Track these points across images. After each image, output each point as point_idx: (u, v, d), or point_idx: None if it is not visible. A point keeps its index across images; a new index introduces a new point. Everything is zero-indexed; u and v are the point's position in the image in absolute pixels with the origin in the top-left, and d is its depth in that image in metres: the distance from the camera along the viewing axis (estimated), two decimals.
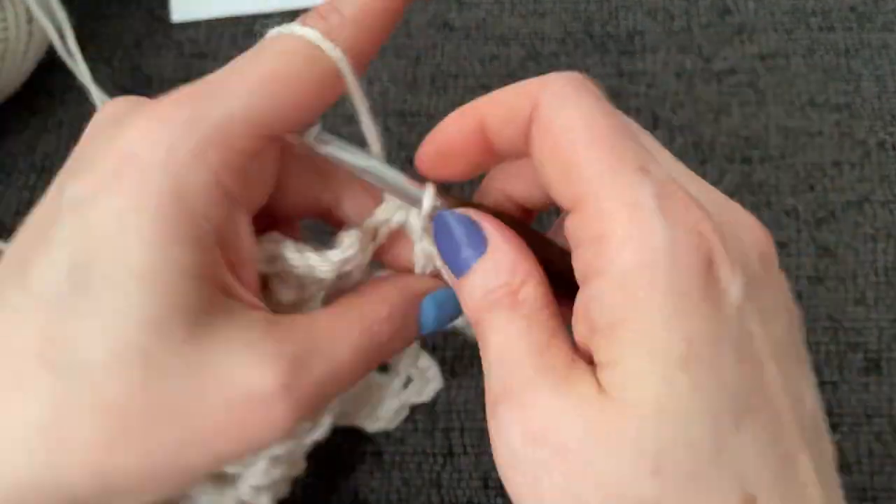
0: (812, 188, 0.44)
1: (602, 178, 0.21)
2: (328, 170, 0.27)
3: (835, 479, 0.23)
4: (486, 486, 0.39)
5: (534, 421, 0.21)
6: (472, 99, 0.45)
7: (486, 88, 0.46)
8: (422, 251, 0.27)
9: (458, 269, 0.23)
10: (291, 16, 0.46)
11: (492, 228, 0.23)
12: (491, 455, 0.38)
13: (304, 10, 0.26)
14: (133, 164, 0.21)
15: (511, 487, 0.22)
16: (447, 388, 0.39)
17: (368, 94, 0.45)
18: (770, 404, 0.21)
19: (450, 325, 0.29)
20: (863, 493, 0.39)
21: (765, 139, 0.45)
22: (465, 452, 0.39)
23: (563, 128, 0.21)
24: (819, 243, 0.43)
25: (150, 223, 0.20)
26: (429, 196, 0.25)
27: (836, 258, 0.42)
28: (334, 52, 0.24)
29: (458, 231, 0.23)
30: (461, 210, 0.24)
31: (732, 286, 0.21)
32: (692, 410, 0.20)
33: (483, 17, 0.48)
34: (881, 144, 0.45)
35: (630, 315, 0.20)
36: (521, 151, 0.23)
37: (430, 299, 0.27)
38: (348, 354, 0.23)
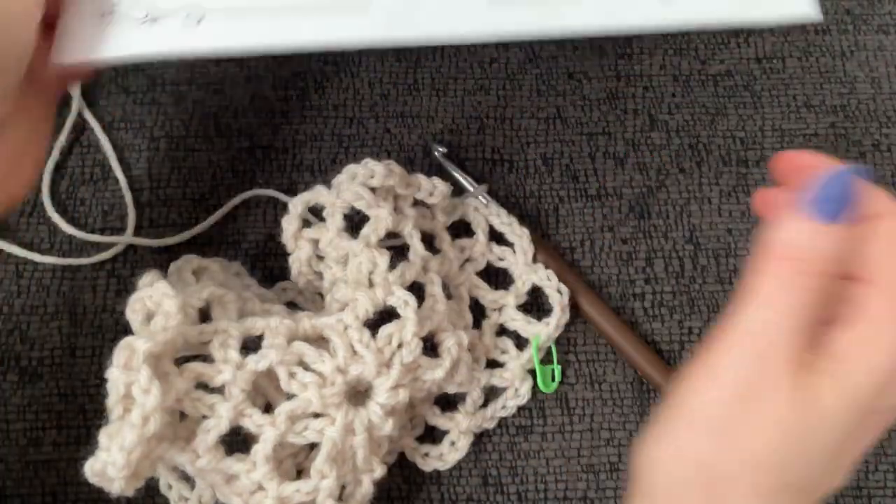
0: None
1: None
2: None
3: None
4: (485, 484, 0.39)
5: None
6: (471, 101, 0.46)
7: (486, 91, 0.46)
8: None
9: None
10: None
11: None
12: (490, 453, 0.39)
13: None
14: None
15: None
16: None
17: (369, 96, 0.46)
18: None
19: None
20: (858, 491, 0.39)
21: (760, 141, 0.45)
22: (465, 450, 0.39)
23: None
24: None
25: None
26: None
27: None
28: None
29: None
30: None
31: None
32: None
33: None
34: (876, 146, 0.45)
35: None
36: None
37: None
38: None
